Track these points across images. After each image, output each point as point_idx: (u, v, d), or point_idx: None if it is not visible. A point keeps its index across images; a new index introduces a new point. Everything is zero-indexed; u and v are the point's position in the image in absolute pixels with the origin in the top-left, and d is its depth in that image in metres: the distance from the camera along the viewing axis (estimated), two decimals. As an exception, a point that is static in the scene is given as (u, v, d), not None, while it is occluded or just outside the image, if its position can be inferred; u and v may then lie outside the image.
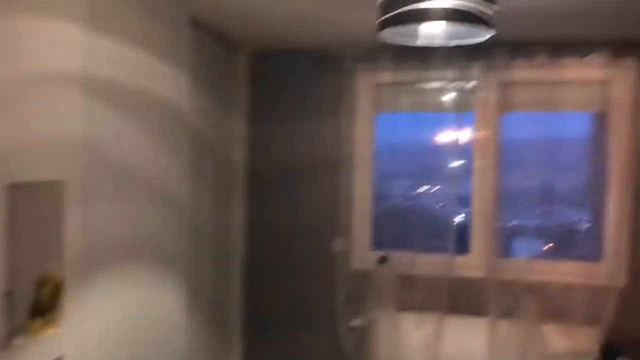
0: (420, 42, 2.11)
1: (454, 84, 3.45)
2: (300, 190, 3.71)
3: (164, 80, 2.68)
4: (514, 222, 3.59)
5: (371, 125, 3.61)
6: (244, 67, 3.71)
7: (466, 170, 3.47)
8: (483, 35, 1.92)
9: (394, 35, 2.00)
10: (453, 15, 1.75)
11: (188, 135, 2.92)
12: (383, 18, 1.87)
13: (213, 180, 3.36)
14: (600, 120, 3.42)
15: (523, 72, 3.35)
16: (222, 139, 3.50)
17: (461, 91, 3.43)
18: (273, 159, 3.74)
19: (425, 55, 3.37)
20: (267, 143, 3.75)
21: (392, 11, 1.83)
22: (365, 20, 2.89)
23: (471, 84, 3.43)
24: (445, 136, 3.55)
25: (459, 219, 3.51)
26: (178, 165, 2.83)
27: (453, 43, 2.15)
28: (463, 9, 1.74)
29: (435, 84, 3.51)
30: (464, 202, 3.54)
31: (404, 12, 1.80)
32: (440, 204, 3.65)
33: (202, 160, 3.17)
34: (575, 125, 3.58)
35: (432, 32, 2.07)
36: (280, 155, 3.73)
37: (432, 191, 3.73)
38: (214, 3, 2.76)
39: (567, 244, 3.53)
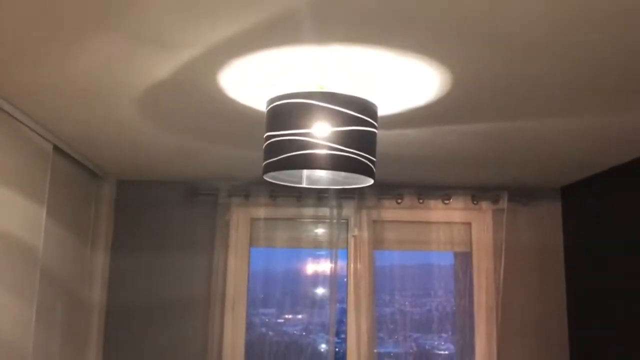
0: (305, 184, 2.11)
1: (327, 222, 3.48)
2: (165, 332, 3.39)
3: (20, 216, 2.39)
4: (385, 350, 3.57)
5: (245, 260, 3.47)
6: (108, 197, 3.46)
7: (341, 300, 3.45)
8: (364, 182, 1.95)
9: (279, 176, 1.98)
10: (336, 164, 1.77)
11: (42, 275, 2.58)
12: (268, 162, 1.84)
13: (66, 324, 2.97)
14: (465, 258, 3.58)
15: (392, 212, 3.47)
16: (79, 275, 3.16)
17: (334, 229, 3.45)
18: (135, 296, 3.42)
19: (300, 193, 3.40)
20: (129, 279, 3.44)
21: (277, 156, 1.80)
22: (240, 156, 2.88)
23: (344, 222, 3.48)
24: (318, 268, 3.52)
25: (333, 348, 3.41)
26: (26, 313, 2.46)
27: (336, 187, 2.18)
28: (342, 159, 1.76)
29: (309, 221, 3.52)
30: (338, 331, 3.47)
31: (289, 158, 1.78)
32: (314, 334, 3.54)
33: (55, 302, 2.81)
34: (443, 260, 3.73)
35: (317, 175, 2.08)
36: (144, 293, 3.43)
37: (305, 321, 3.61)
38: (79, 132, 2.59)
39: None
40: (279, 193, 3.40)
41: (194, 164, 3.18)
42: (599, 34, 1.52)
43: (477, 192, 3.48)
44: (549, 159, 2.90)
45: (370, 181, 1.91)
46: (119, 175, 3.50)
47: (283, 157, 1.80)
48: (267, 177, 1.93)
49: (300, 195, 3.42)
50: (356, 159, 1.81)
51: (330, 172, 2.00)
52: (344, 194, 3.41)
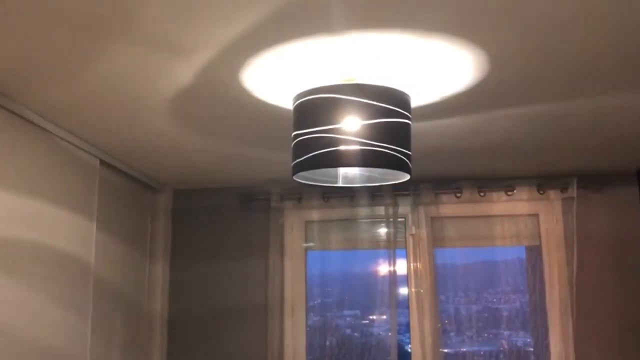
0: (340, 183, 2.01)
1: (383, 221, 3.35)
2: (226, 338, 3.38)
3: (70, 232, 2.44)
4: (457, 349, 3.39)
5: (301, 264, 3.41)
6: (164, 207, 3.49)
7: (404, 300, 3.33)
8: (400, 177, 1.83)
9: (312, 177, 1.89)
10: (367, 160, 1.66)
11: (96, 289, 2.62)
12: (296, 162, 1.76)
13: (126, 335, 3.00)
14: (533, 252, 3.35)
15: (451, 207, 3.30)
16: (137, 287, 3.20)
17: (391, 228, 3.32)
18: (195, 304, 3.43)
19: (353, 192, 3.29)
20: (189, 288, 3.45)
21: (305, 155, 1.71)
22: (283, 158, 2.80)
23: (400, 221, 3.34)
24: (377, 269, 3.41)
25: (395, 350, 3.28)
26: (81, 327, 2.50)
27: (371, 184, 2.07)
28: (374, 154, 1.64)
29: (365, 221, 3.41)
30: (403, 331, 3.34)
31: (317, 156, 1.68)
32: (377, 335, 3.42)
33: (113, 313, 2.85)
34: (511, 255, 3.51)
35: (352, 173, 1.98)
36: (204, 301, 3.43)
37: (369, 322, 3.50)
38: (122, 145, 2.61)
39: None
40: (331, 194, 3.31)
41: (244, 170, 3.14)
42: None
43: (543, 181, 3.24)
44: (619, 139, 2.64)
45: (407, 176, 1.79)
46: (175, 185, 3.53)
47: (311, 156, 1.71)
48: (298, 178, 1.84)
49: (353, 195, 3.31)
50: (389, 153, 1.69)
51: (365, 169, 1.89)
52: (399, 191, 3.26)
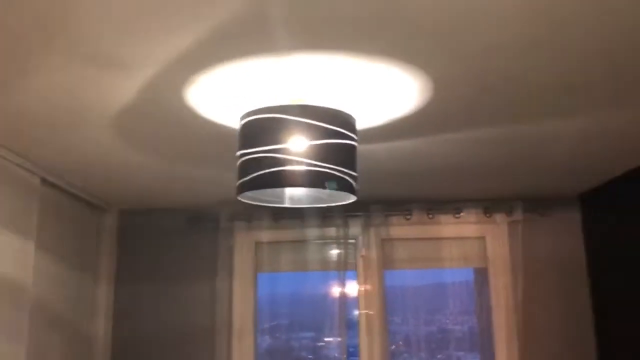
0: (287, 203, 1.99)
1: (334, 242, 3.34)
2: (172, 364, 3.28)
3: (5, 254, 2.32)
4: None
5: (251, 286, 3.35)
6: (110, 227, 3.39)
7: (353, 322, 3.32)
8: (345, 199, 1.82)
9: (258, 197, 1.87)
10: (312, 181, 1.65)
11: (33, 313, 2.51)
12: (240, 182, 1.73)
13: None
14: (482, 274, 3.39)
15: (401, 229, 3.32)
16: (80, 310, 3.08)
17: (341, 249, 3.31)
18: (141, 328, 3.32)
19: (304, 213, 3.28)
20: (134, 310, 3.35)
21: (250, 174, 1.69)
22: (231, 178, 2.78)
23: (351, 242, 3.34)
24: (328, 290, 3.38)
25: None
26: (16, 354, 2.38)
27: (317, 205, 2.05)
28: (320, 174, 1.63)
29: (316, 243, 3.39)
30: (352, 353, 3.31)
31: (262, 176, 1.67)
32: (335, 356, 3.39)
33: (52, 338, 2.73)
34: (459, 277, 3.54)
35: (297, 194, 1.96)
36: (150, 324, 3.33)
37: (325, 344, 3.46)
38: (64, 163, 2.53)
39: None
40: (282, 215, 3.28)
41: (192, 190, 3.09)
42: (586, 26, 1.38)
43: (490, 204, 3.30)
44: (560, 164, 2.72)
45: (353, 198, 1.78)
46: (121, 205, 3.43)
47: (256, 176, 1.69)
48: (243, 198, 1.82)
49: (304, 216, 3.29)
50: (335, 174, 1.69)
51: (312, 189, 1.88)
52: (350, 212, 3.27)
